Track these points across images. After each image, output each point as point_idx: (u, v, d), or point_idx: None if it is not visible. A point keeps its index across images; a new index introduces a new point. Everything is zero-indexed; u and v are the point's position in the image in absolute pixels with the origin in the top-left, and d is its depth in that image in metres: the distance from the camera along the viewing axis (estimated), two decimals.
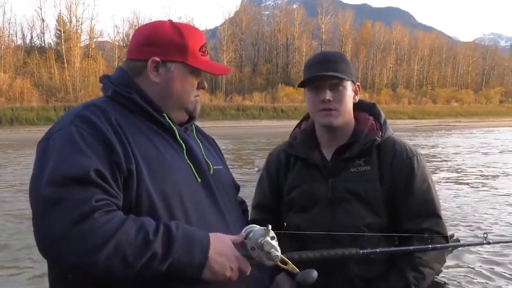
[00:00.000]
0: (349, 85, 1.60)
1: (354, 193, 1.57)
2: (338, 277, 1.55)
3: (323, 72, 1.55)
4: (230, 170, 1.63)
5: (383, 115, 1.69)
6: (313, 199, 1.62)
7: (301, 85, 1.64)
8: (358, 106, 1.69)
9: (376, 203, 1.56)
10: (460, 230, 6.69)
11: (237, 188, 1.58)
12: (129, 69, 1.37)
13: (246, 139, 29.35)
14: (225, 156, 1.66)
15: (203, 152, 1.43)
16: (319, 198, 1.61)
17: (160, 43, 1.33)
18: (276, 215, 1.74)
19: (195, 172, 1.34)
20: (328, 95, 1.57)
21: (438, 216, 1.58)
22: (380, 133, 1.62)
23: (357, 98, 1.66)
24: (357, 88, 1.66)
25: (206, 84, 1.43)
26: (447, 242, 1.58)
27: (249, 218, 1.68)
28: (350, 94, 1.61)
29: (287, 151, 1.73)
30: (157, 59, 1.32)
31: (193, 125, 1.49)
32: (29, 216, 1.16)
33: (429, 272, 1.54)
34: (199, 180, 1.34)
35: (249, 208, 1.74)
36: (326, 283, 1.49)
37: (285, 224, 1.72)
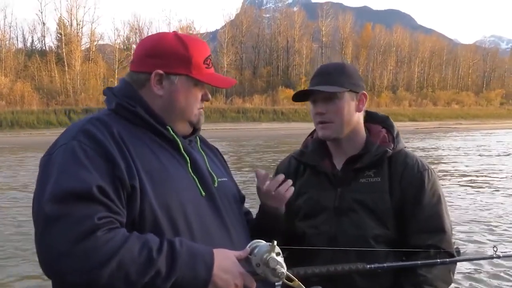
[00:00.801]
0: (346, 96, 1.59)
1: (362, 203, 1.56)
2: None
3: (317, 85, 1.58)
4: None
5: (396, 128, 1.68)
6: (319, 207, 1.61)
7: (293, 99, 1.70)
8: (372, 118, 1.70)
9: (384, 215, 1.55)
10: (461, 236, 6.66)
11: (242, 199, 1.55)
12: (133, 81, 1.35)
13: (246, 142, 29.34)
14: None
15: (208, 164, 1.40)
16: (326, 206, 1.60)
17: (164, 55, 1.31)
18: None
19: (199, 185, 1.32)
20: (320, 108, 1.59)
21: (445, 232, 1.55)
22: (392, 145, 1.61)
23: (362, 107, 1.64)
24: (362, 97, 1.64)
25: (210, 96, 1.41)
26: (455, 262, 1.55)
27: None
28: (349, 104, 1.60)
29: (298, 159, 1.73)
30: (161, 71, 1.30)
31: (197, 137, 1.47)
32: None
33: None
34: (203, 193, 1.32)
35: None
36: None
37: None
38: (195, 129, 1.42)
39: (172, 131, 1.32)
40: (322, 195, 1.62)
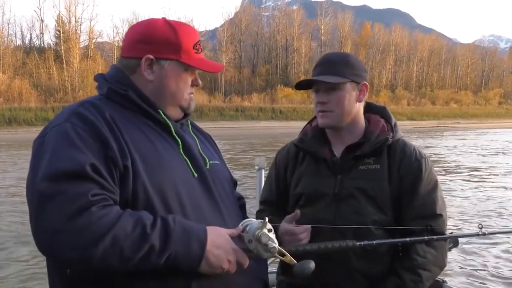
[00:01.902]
0: (348, 86, 1.62)
1: (362, 190, 1.59)
2: (338, 270, 1.56)
3: (320, 75, 1.61)
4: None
5: (393, 118, 1.72)
6: (319, 193, 1.64)
7: (296, 87, 1.73)
8: (370, 109, 1.74)
9: (383, 201, 1.58)
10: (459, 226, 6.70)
11: (234, 183, 1.58)
12: (123, 66, 1.37)
13: (244, 140, 29.31)
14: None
15: (199, 147, 1.43)
16: (325, 193, 1.63)
17: (154, 40, 1.33)
18: (283, 210, 1.74)
19: (191, 166, 1.34)
20: (322, 97, 1.63)
21: (439, 215, 1.58)
22: (391, 134, 1.65)
23: (362, 98, 1.67)
24: (363, 88, 1.67)
25: (200, 82, 1.43)
26: (444, 240, 1.58)
27: (246, 214, 1.67)
28: (350, 94, 1.63)
29: (298, 145, 1.76)
30: (151, 56, 1.33)
31: (188, 121, 1.50)
32: None
33: (427, 275, 1.54)
34: (196, 174, 1.34)
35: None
36: (326, 277, 1.51)
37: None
38: (186, 114, 1.45)
39: (164, 114, 1.35)
40: (322, 182, 1.65)
